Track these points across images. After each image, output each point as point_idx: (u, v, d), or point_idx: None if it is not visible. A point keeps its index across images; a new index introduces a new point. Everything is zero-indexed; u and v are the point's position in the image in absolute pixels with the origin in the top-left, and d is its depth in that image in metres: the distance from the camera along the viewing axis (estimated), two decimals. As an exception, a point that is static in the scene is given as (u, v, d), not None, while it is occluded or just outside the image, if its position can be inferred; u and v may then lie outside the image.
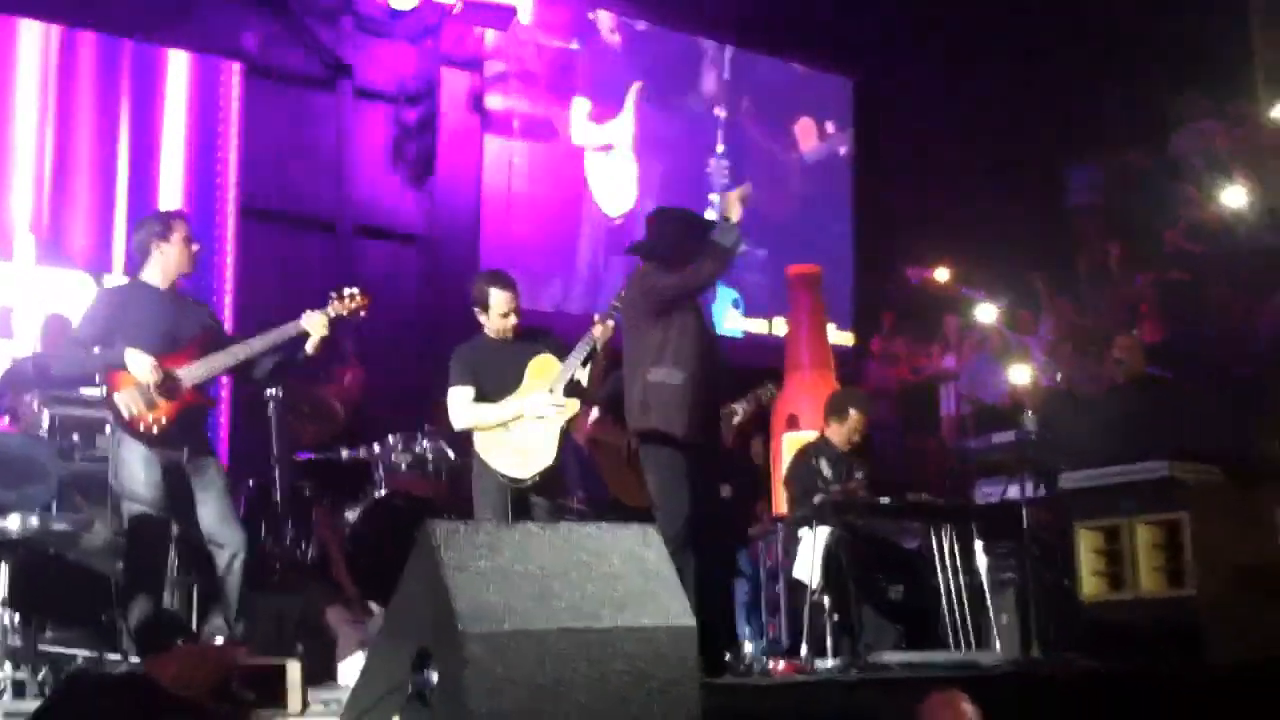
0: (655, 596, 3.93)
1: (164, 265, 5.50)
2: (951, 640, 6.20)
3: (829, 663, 6.03)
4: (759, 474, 8.70)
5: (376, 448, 6.98)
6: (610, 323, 5.76)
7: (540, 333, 6.06)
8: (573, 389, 5.76)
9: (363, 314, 5.72)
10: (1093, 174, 11.14)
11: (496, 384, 5.80)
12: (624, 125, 11.01)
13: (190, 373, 5.34)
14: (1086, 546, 6.56)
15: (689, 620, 3.93)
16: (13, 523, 5.20)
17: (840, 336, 11.15)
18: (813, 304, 9.90)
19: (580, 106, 10.78)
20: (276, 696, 4.47)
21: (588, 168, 10.85)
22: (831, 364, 9.87)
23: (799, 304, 10.09)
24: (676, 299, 5.54)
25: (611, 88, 11.00)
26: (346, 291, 5.69)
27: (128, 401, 5.25)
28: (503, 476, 5.70)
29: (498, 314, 5.85)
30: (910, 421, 10.34)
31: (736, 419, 7.17)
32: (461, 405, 5.81)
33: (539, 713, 3.59)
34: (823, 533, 6.41)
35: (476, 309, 5.91)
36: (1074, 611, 6.54)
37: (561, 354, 5.82)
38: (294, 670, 4.56)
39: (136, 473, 5.26)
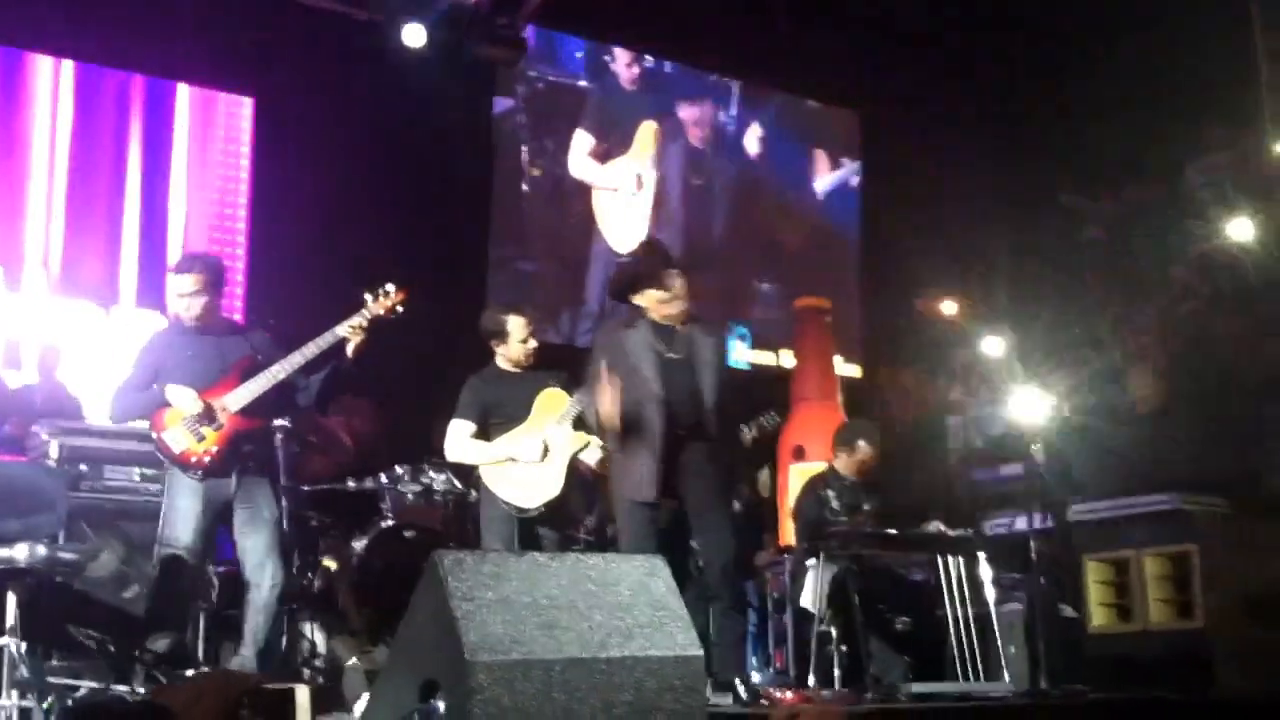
0: (662, 626, 3.92)
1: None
2: (959, 671, 6.17)
3: (836, 693, 6.00)
4: (764, 505, 8.68)
5: (384, 478, 6.96)
6: None
7: (550, 367, 6.02)
8: (580, 423, 5.74)
9: (401, 309, 5.52)
10: (1102, 208, 11.16)
11: (506, 415, 5.79)
12: (632, 163, 11.04)
13: (234, 398, 5.37)
14: (1095, 578, 6.55)
15: (696, 650, 3.93)
16: (20, 552, 5.18)
17: (848, 369, 11.15)
18: (820, 336, 9.91)
19: (581, 141, 10.81)
20: (285, 721, 4.48)
21: (595, 204, 10.87)
22: (839, 396, 9.89)
23: (806, 336, 10.11)
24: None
25: (619, 125, 11.04)
26: (382, 289, 5.52)
27: (175, 437, 5.31)
28: (509, 507, 5.69)
29: (518, 340, 5.85)
30: (918, 454, 10.33)
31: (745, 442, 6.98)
32: (458, 439, 5.80)
33: (546, 743, 3.58)
34: (830, 563, 6.39)
35: (491, 340, 5.90)
36: (1082, 643, 6.52)
37: (571, 389, 5.80)
38: (302, 695, 4.56)
39: (186, 515, 5.30)
